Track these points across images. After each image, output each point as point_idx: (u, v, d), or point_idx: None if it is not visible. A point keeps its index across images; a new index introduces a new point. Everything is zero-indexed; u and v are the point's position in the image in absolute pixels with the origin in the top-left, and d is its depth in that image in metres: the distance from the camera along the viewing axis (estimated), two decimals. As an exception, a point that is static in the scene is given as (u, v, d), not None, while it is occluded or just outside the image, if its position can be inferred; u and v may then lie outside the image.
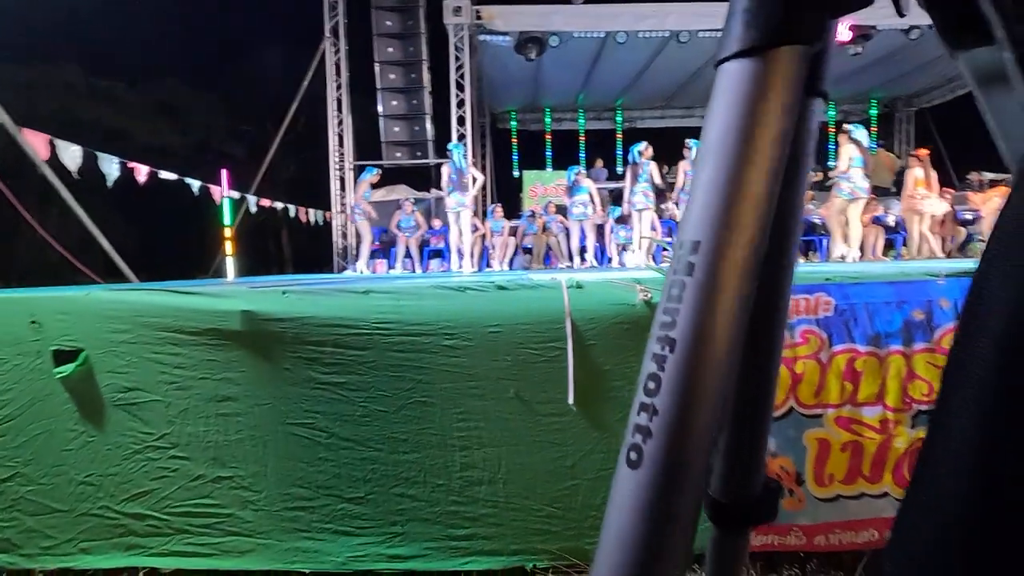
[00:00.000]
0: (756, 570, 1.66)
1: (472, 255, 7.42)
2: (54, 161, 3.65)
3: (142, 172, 4.44)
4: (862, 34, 7.21)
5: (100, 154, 3.98)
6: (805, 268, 2.75)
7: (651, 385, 0.28)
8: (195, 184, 5.34)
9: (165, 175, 4.86)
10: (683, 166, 7.06)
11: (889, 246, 7.36)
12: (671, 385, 0.27)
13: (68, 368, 1.65)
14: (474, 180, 6.90)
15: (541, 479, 1.65)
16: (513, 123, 11.98)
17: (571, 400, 1.61)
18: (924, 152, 6.55)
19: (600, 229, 7.61)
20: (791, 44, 0.28)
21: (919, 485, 0.24)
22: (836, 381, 1.67)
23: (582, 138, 12.02)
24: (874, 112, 11.85)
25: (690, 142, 7.19)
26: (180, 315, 1.66)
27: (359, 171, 9.52)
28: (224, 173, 6.54)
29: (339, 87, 9.04)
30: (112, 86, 14.55)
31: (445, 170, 6.75)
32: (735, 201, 0.28)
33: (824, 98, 0.36)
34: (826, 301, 1.67)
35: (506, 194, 11.34)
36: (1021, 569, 0.20)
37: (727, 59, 0.29)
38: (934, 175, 6.48)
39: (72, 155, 3.68)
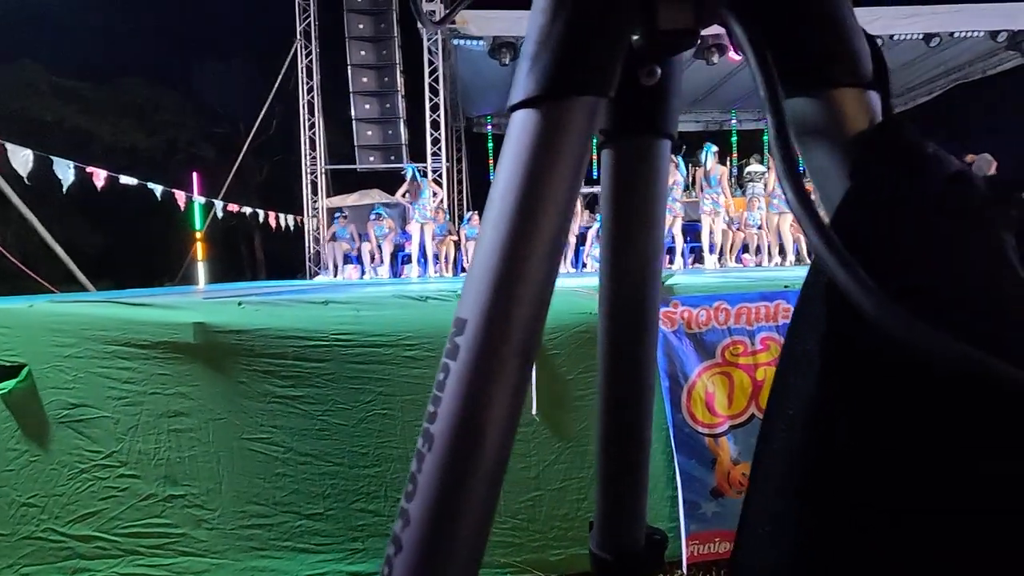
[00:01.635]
0: (719, 577, 1.66)
1: (448, 260, 7.41)
2: (6, 167, 3.50)
3: (100, 177, 4.29)
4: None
5: (55, 159, 3.84)
6: (764, 275, 2.79)
7: (409, 487, 0.25)
8: (159, 189, 5.19)
9: (125, 180, 4.71)
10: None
11: None
12: (426, 492, 0.24)
13: (8, 384, 1.58)
14: (434, 195, 7.11)
15: (505, 491, 1.62)
16: (489, 128, 11.97)
17: (534, 411, 1.60)
18: None
19: (584, 235, 7.64)
20: (574, 95, 0.25)
21: (749, 500, 0.25)
22: (796, 387, 1.69)
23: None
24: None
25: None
26: (129, 328, 1.60)
27: (331, 175, 9.43)
28: (195, 176, 6.39)
29: (311, 90, 8.92)
30: (76, 86, 14.13)
31: (405, 187, 6.97)
32: (509, 274, 0.24)
33: (671, 139, 0.34)
34: (786, 308, 1.69)
35: (482, 198, 11.32)
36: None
37: (513, 108, 0.27)
38: None
39: (23, 160, 3.54)
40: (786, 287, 1.70)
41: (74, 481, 1.60)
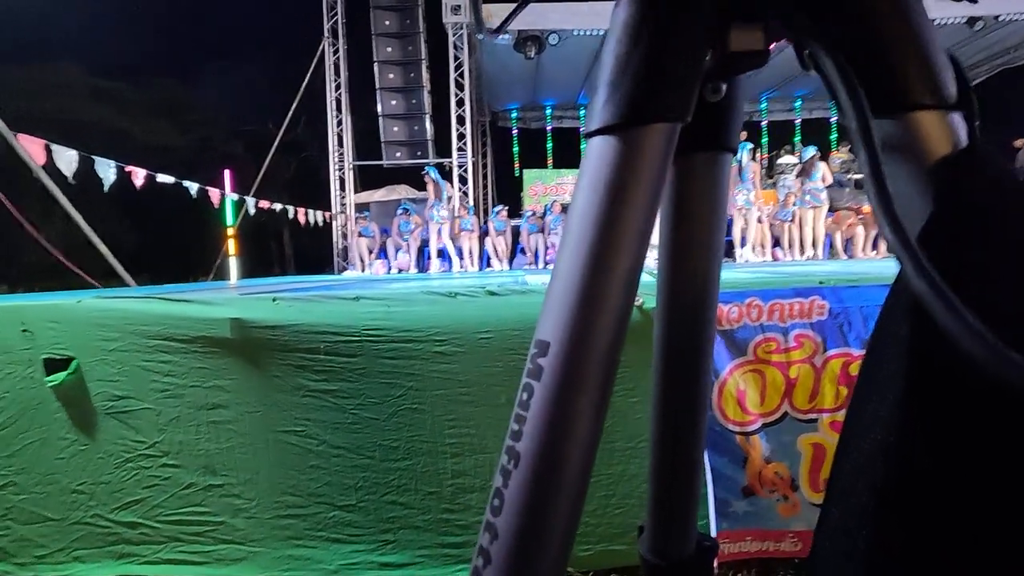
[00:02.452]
0: (751, 576, 1.65)
1: (473, 255, 7.44)
2: (51, 166, 3.65)
3: (139, 175, 4.43)
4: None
5: (96, 158, 3.98)
6: (798, 271, 2.74)
7: (496, 503, 0.26)
8: (194, 186, 5.33)
9: (163, 178, 4.86)
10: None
11: None
12: (513, 507, 0.25)
13: (59, 377, 1.65)
14: (449, 199, 7.42)
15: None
16: (514, 121, 11.94)
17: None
18: None
19: None
20: (653, 123, 0.26)
21: (830, 502, 0.24)
22: (831, 386, 1.66)
23: (584, 136, 11.96)
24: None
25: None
26: (170, 323, 1.65)
27: (359, 171, 9.54)
28: (227, 174, 6.54)
29: (338, 87, 9.03)
30: (114, 87, 14.58)
31: (430, 188, 7.14)
32: (590, 299, 0.25)
33: (733, 152, 0.34)
34: (820, 304, 1.65)
35: (507, 193, 11.32)
36: None
37: (591, 134, 0.27)
38: None
39: (68, 160, 3.68)
40: (821, 283, 1.66)
41: (120, 470, 1.67)
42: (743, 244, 6.63)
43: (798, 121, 11.48)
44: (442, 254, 7.55)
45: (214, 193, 5.92)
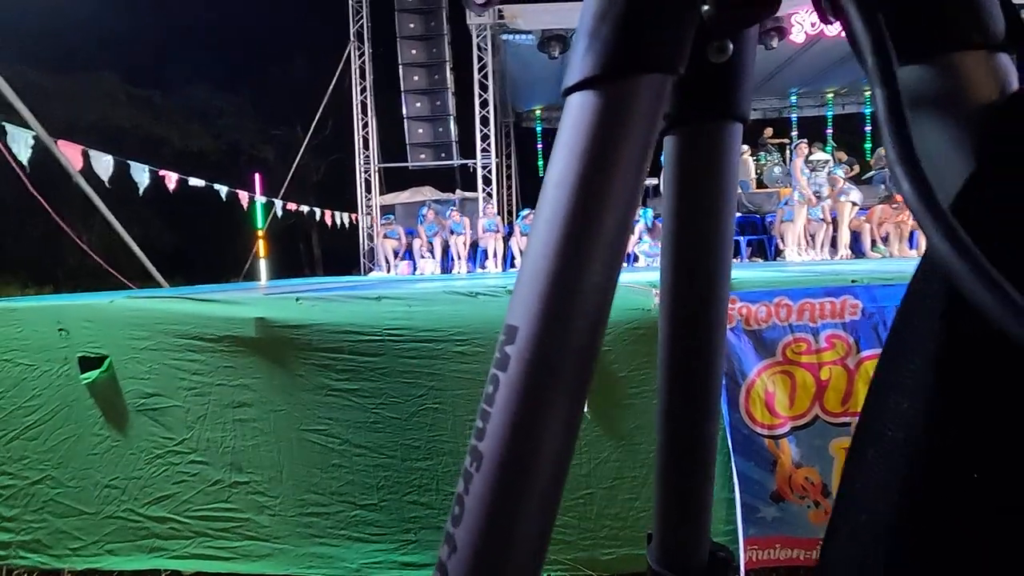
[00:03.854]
0: (780, 584, 1.60)
1: (497, 256, 7.46)
2: (89, 171, 3.79)
3: (172, 179, 4.57)
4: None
5: (132, 163, 4.11)
6: (828, 269, 2.65)
7: (456, 510, 0.23)
8: (224, 190, 5.47)
9: (194, 182, 4.99)
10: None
11: None
12: (473, 515, 0.22)
13: (93, 374, 1.70)
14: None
15: (555, 488, 1.62)
16: (538, 122, 11.92)
17: (585, 408, 1.58)
18: None
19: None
20: (638, 73, 0.22)
21: (841, 507, 0.22)
22: (865, 388, 1.59)
23: (608, 135, 11.88)
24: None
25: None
26: (198, 322, 1.69)
27: (384, 173, 9.65)
28: (257, 177, 6.69)
29: (364, 90, 9.14)
30: (149, 94, 15.07)
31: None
32: (565, 277, 0.22)
33: (744, 122, 0.30)
34: (853, 304, 1.59)
35: (531, 193, 11.31)
36: None
37: (569, 90, 0.24)
38: None
39: (104, 165, 3.81)
40: (853, 282, 1.61)
41: (150, 466, 1.71)
42: (812, 245, 6.55)
43: (829, 116, 11.20)
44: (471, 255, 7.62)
45: (243, 196, 6.05)
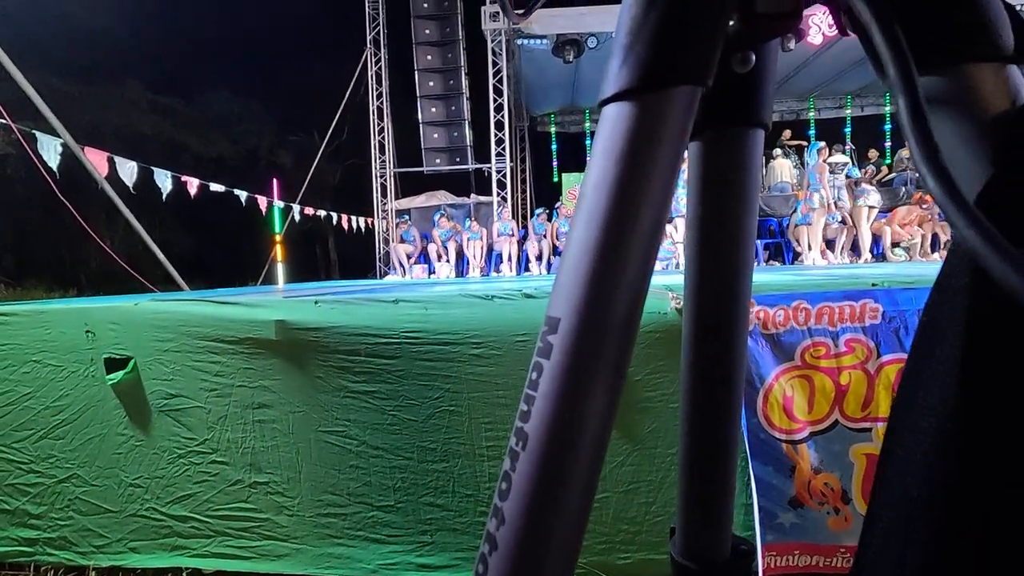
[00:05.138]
0: (799, 592, 1.57)
1: (511, 260, 7.48)
2: (114, 176, 3.88)
3: (193, 185, 4.66)
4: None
5: (155, 169, 4.21)
6: (848, 272, 2.62)
7: (503, 486, 0.25)
8: (243, 195, 5.56)
9: (215, 187, 5.09)
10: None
11: None
12: (520, 493, 0.24)
13: (118, 375, 1.74)
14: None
15: (571, 491, 1.61)
16: (552, 126, 11.94)
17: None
18: None
19: None
20: (670, 86, 0.24)
21: (876, 510, 0.23)
22: (886, 393, 1.57)
23: (623, 138, 11.85)
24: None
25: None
26: (219, 324, 1.72)
27: (400, 177, 9.73)
28: (275, 182, 6.79)
29: (380, 95, 9.24)
30: (170, 102, 15.38)
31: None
32: (603, 273, 0.24)
33: (765, 128, 0.32)
34: (873, 308, 1.57)
35: (546, 197, 11.31)
36: None
37: (606, 101, 0.25)
38: None
39: (128, 171, 3.91)
40: (874, 285, 1.58)
41: (172, 465, 1.75)
42: (832, 248, 6.48)
43: (848, 117, 11.06)
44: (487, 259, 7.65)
45: (262, 200, 6.15)
